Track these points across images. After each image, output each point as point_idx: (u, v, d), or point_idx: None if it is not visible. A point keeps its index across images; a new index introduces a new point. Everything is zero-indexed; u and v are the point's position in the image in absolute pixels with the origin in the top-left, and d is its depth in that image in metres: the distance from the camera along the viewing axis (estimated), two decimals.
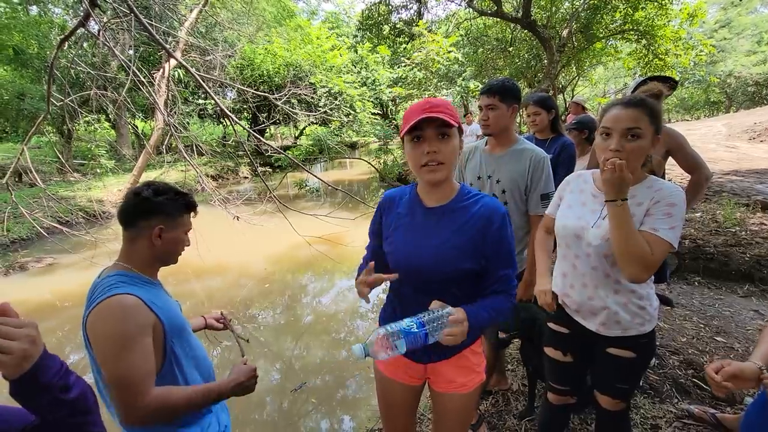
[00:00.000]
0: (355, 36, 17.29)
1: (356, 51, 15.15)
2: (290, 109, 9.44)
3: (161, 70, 7.18)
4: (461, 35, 13.37)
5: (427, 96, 10.40)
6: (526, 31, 10.89)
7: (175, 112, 6.94)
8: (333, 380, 3.23)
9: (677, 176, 5.72)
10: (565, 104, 12.91)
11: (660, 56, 10.64)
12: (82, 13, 2.95)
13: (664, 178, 1.59)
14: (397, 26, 13.71)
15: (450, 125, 1.06)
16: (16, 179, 10.09)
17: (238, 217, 4.40)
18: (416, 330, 0.91)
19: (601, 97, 21.77)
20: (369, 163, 7.96)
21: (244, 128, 3.76)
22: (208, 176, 12.53)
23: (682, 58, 10.68)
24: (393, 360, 1.31)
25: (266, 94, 5.81)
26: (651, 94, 1.58)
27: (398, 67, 12.31)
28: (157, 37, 3.11)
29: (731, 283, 3.71)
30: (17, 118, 12.06)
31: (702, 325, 2.97)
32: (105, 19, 4.69)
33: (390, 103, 15.35)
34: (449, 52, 10.42)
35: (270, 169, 14.39)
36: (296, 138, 22.52)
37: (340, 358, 3.57)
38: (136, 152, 13.36)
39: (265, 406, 2.99)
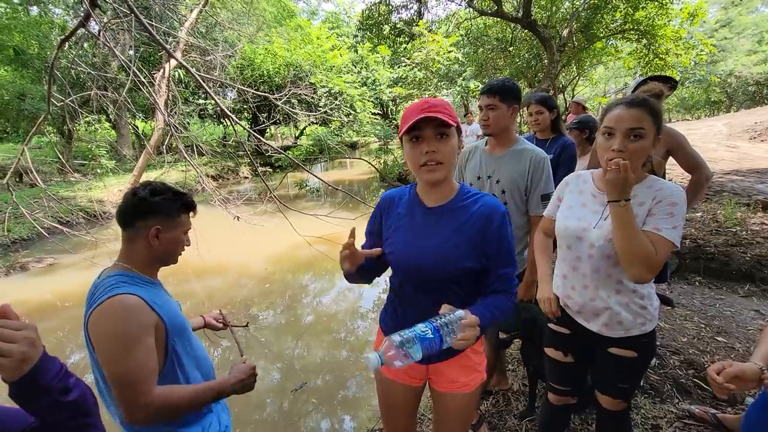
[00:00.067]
0: (356, 36, 17.30)
1: (356, 51, 15.16)
2: (290, 109, 9.45)
3: (161, 70, 7.19)
4: (461, 35, 13.36)
5: (427, 96, 10.41)
6: (526, 30, 10.87)
7: (175, 113, 6.94)
8: (333, 380, 3.23)
9: (678, 176, 5.71)
10: (566, 104, 12.90)
11: (660, 56, 10.62)
12: (82, 14, 2.95)
13: (665, 178, 1.58)
14: (398, 26, 13.70)
15: (448, 125, 1.06)
16: (17, 179, 10.10)
17: (238, 217, 4.40)
18: (431, 336, 0.89)
19: (601, 97, 21.75)
20: (369, 163, 7.95)
21: (245, 128, 3.76)
22: (208, 176, 12.54)
23: (682, 58, 10.65)
24: None
25: (266, 94, 5.81)
26: (651, 94, 1.58)
27: (398, 67, 12.31)
28: (158, 37, 3.11)
29: (732, 283, 3.70)
30: (18, 118, 12.07)
31: (703, 325, 2.97)
32: (105, 20, 4.69)
33: (390, 103, 15.35)
34: (449, 51, 10.41)
35: (270, 169, 14.40)
36: (296, 138, 22.54)
37: (341, 358, 3.57)
38: (137, 152, 13.38)
39: (265, 406, 2.99)
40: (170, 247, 1.20)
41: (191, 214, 1.27)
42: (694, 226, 4.48)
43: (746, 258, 3.75)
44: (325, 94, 12.65)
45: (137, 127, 16.04)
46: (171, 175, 11.28)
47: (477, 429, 2.08)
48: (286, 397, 3.02)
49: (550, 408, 1.64)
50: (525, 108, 2.56)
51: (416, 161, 1.10)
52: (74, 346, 3.99)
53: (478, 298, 1.24)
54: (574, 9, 10.86)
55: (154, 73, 7.33)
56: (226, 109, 3.37)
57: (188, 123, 13.40)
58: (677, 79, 2.47)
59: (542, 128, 2.45)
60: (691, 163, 2.06)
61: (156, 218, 1.15)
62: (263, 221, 5.20)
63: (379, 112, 15.98)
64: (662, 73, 9.89)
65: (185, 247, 1.27)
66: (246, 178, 15.21)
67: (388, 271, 1.32)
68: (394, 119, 16.14)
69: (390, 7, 13.65)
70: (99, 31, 3.55)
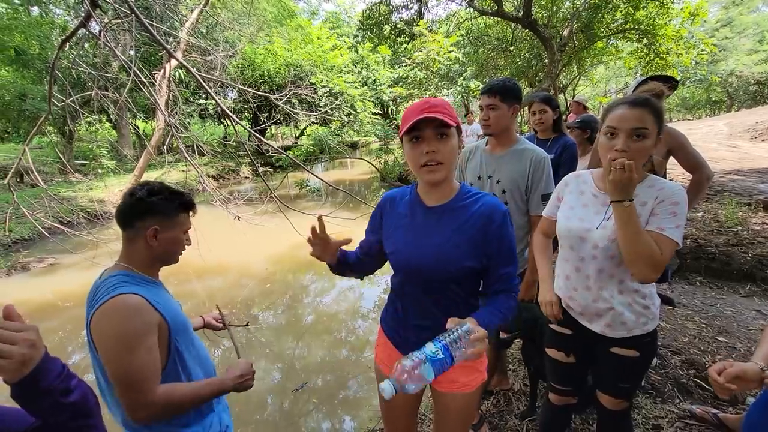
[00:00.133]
0: (356, 36, 17.30)
1: (357, 51, 15.16)
2: (291, 109, 9.45)
3: (162, 70, 7.18)
4: (462, 35, 13.35)
5: (428, 96, 10.41)
6: (527, 30, 10.86)
7: (176, 113, 6.95)
8: (334, 380, 3.23)
9: (678, 176, 5.71)
10: (566, 103, 12.88)
11: (661, 55, 10.60)
12: (83, 14, 2.95)
13: (665, 178, 1.58)
14: (398, 26, 13.70)
15: (448, 125, 1.05)
16: (18, 180, 10.11)
17: (239, 217, 4.40)
18: (442, 356, 0.88)
19: (602, 97, 21.74)
20: (370, 163, 7.95)
21: (245, 128, 3.76)
22: (209, 176, 12.54)
23: (683, 57, 10.64)
24: (394, 360, 1.31)
25: (267, 94, 5.81)
26: (652, 93, 1.57)
27: (399, 67, 12.31)
28: (158, 37, 3.11)
29: (733, 283, 3.70)
30: (19, 118, 12.09)
31: (704, 325, 2.96)
32: (106, 20, 4.70)
33: (391, 103, 15.34)
34: (450, 51, 10.41)
35: (271, 169, 14.40)
36: (297, 138, 22.55)
37: (342, 358, 3.57)
38: (138, 152, 13.40)
39: (266, 406, 2.99)
40: (169, 247, 1.20)
41: (191, 213, 1.27)
42: (695, 225, 4.47)
43: (747, 258, 3.74)
44: (325, 94, 12.65)
45: (138, 127, 16.05)
46: (172, 175, 11.28)
47: (478, 429, 2.08)
48: (286, 397, 3.02)
49: (551, 408, 1.64)
50: (526, 107, 2.56)
51: (416, 161, 1.10)
52: (75, 346, 3.99)
53: (480, 298, 1.25)
54: (575, 8, 10.85)
55: (154, 74, 7.32)
56: (226, 109, 3.37)
57: (189, 123, 13.42)
58: (678, 78, 2.47)
59: (545, 127, 2.45)
60: (692, 162, 2.06)
61: (154, 218, 1.15)
62: (264, 221, 5.20)
63: (380, 112, 15.98)
64: (663, 72, 9.89)
65: (186, 246, 1.27)
66: (247, 178, 15.22)
67: (390, 271, 1.32)
68: (395, 119, 16.14)
69: (390, 7, 13.65)
70: (100, 32, 3.55)
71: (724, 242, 4.01)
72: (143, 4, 10.86)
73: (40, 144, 14.30)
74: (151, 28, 2.98)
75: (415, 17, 13.51)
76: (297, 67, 13.52)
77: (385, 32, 13.99)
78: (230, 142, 12.68)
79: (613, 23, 10.93)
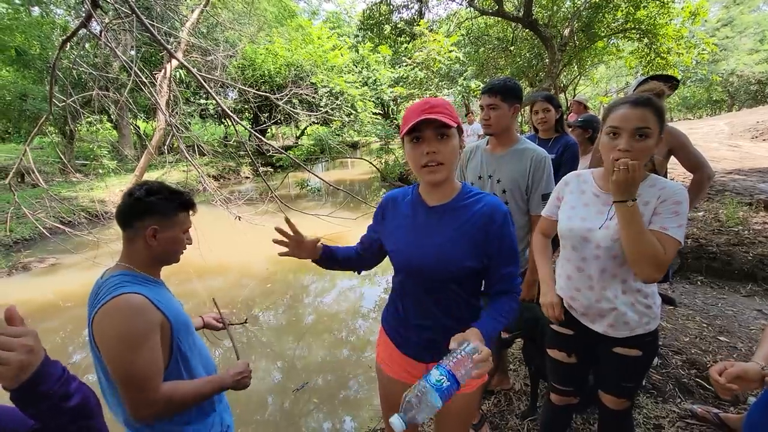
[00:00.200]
0: (356, 36, 17.29)
1: (357, 51, 15.15)
2: (291, 109, 9.46)
3: (163, 70, 7.19)
4: (462, 35, 13.35)
5: (428, 95, 10.40)
6: (527, 30, 10.86)
7: (176, 113, 6.96)
8: (335, 380, 3.23)
9: (679, 175, 5.70)
10: (567, 103, 12.88)
11: (662, 55, 10.60)
12: (84, 14, 2.95)
13: (666, 178, 1.58)
14: (398, 26, 13.69)
15: (448, 126, 1.05)
16: (19, 180, 10.12)
17: (239, 217, 4.41)
18: (448, 383, 0.88)
19: (602, 96, 21.73)
20: (370, 162, 7.95)
21: (246, 128, 3.77)
22: (209, 176, 12.54)
23: (684, 57, 10.63)
24: (395, 359, 1.32)
25: (267, 94, 5.82)
26: (653, 93, 1.57)
27: (399, 67, 12.30)
28: (159, 37, 3.11)
29: (734, 283, 3.69)
30: (20, 118, 12.11)
31: (705, 325, 2.96)
32: (107, 20, 4.70)
33: (391, 103, 15.33)
34: (450, 51, 10.40)
35: (271, 169, 14.41)
36: (297, 138, 22.55)
37: (342, 358, 3.57)
38: (138, 152, 13.41)
39: (267, 405, 2.99)
40: (169, 247, 1.20)
41: (191, 212, 1.26)
42: (696, 225, 4.47)
43: (748, 257, 3.74)
44: (326, 94, 12.65)
45: (139, 128, 16.05)
46: (172, 175, 11.29)
47: (479, 429, 2.08)
48: (287, 397, 3.02)
49: (552, 408, 1.63)
50: (528, 107, 2.56)
51: (417, 162, 1.10)
52: (76, 345, 4.00)
53: (482, 298, 1.25)
54: (576, 8, 10.85)
55: (155, 74, 7.33)
56: (227, 109, 3.37)
57: (189, 123, 13.44)
58: (679, 78, 2.47)
59: (548, 127, 2.45)
60: (693, 162, 2.06)
61: (152, 218, 1.14)
62: (264, 221, 5.18)
63: (380, 111, 15.98)
64: (664, 72, 9.88)
65: (187, 245, 1.27)
66: (247, 178, 15.23)
67: (390, 271, 1.33)
68: (395, 119, 16.14)
69: (391, 6, 13.64)
70: (100, 32, 3.56)
71: (725, 242, 4.00)
72: (144, 4, 10.87)
73: (41, 144, 14.31)
74: (151, 28, 2.98)
75: (415, 17, 13.50)
76: (297, 67, 13.52)
77: (385, 32, 13.99)
78: (231, 142, 12.69)
79: (614, 23, 10.92)
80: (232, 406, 1.41)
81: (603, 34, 11.11)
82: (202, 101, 13.60)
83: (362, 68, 14.92)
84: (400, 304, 1.28)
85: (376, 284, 5.22)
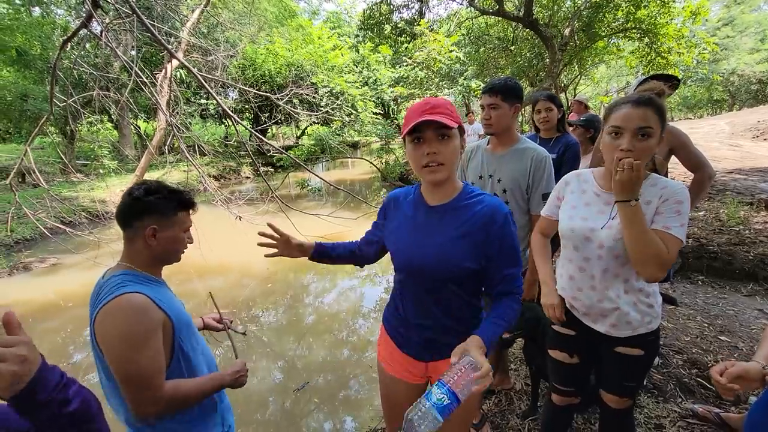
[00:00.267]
0: (357, 36, 17.29)
1: (358, 51, 15.15)
2: (292, 109, 9.46)
3: (163, 70, 7.19)
4: (463, 34, 13.34)
5: (429, 95, 10.40)
6: (528, 29, 10.85)
7: (177, 113, 6.96)
8: (335, 380, 3.24)
9: (680, 175, 5.69)
10: (567, 103, 12.87)
11: (663, 54, 10.59)
12: (84, 14, 2.96)
13: (667, 178, 1.58)
14: (399, 26, 13.69)
15: (449, 127, 1.05)
16: (20, 180, 10.13)
17: (240, 217, 4.41)
18: (448, 401, 0.90)
19: (603, 96, 21.72)
20: (371, 162, 7.96)
21: (246, 128, 3.77)
22: (210, 176, 12.55)
23: (684, 57, 10.62)
24: (395, 358, 1.33)
25: (268, 94, 5.82)
26: (653, 93, 1.57)
27: (400, 67, 12.30)
28: (159, 37, 3.11)
29: (735, 282, 3.69)
30: (20, 119, 12.12)
31: (706, 325, 2.96)
32: (107, 20, 4.71)
33: (392, 103, 15.34)
34: (451, 51, 10.40)
35: (272, 169, 14.43)
36: (298, 138, 22.56)
37: (343, 358, 3.57)
38: (139, 153, 13.42)
39: (267, 405, 2.99)
40: (169, 246, 1.19)
41: (191, 211, 1.26)
42: (697, 225, 4.46)
43: (749, 257, 3.73)
44: (326, 94, 12.65)
45: (139, 128, 16.06)
46: (173, 175, 11.30)
47: (480, 428, 2.08)
48: (288, 397, 3.02)
49: (553, 408, 1.63)
50: (530, 106, 2.57)
51: (418, 162, 1.10)
52: (77, 345, 4.00)
53: (484, 298, 1.25)
54: (576, 8, 10.84)
55: (156, 74, 7.34)
56: (227, 109, 3.37)
57: (190, 123, 13.44)
58: (679, 77, 2.46)
59: (550, 126, 2.45)
60: (694, 162, 2.06)
61: (151, 217, 1.14)
62: (265, 221, 5.19)
63: (381, 111, 15.98)
64: (664, 71, 9.87)
65: (188, 245, 1.27)
66: (248, 178, 15.24)
67: (391, 270, 1.33)
68: (396, 119, 16.15)
69: (391, 6, 13.64)
70: (101, 32, 3.56)
71: (726, 241, 4.00)
72: (144, 5, 10.88)
73: (41, 144, 14.32)
74: (152, 29, 2.99)
75: (416, 17, 13.50)
76: (298, 67, 13.53)
77: (385, 32, 13.98)
78: (231, 142, 12.68)
79: (615, 22, 10.92)
80: (233, 406, 1.41)
81: (603, 34, 11.10)
82: (203, 101, 13.61)
83: (363, 68, 14.93)
84: (401, 303, 1.29)
85: (377, 284, 5.23)
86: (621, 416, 1.46)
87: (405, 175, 11.00)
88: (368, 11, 14.10)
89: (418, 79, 10.87)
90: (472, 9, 11.51)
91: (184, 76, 11.73)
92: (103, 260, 4.24)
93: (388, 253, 1.34)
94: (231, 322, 1.61)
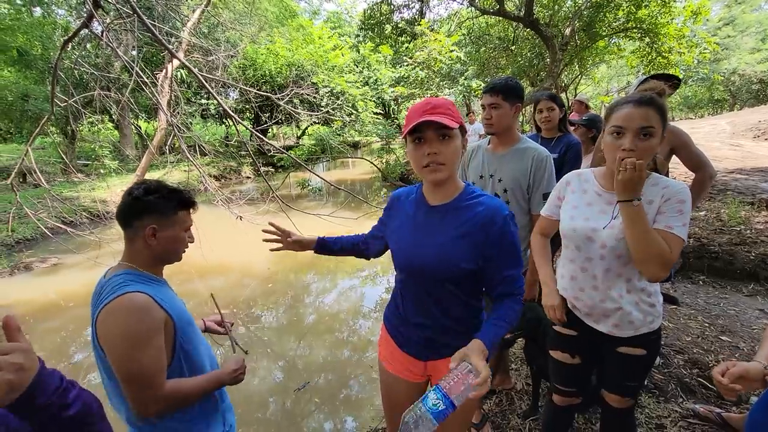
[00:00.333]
0: (357, 36, 17.30)
1: (358, 50, 15.17)
2: (292, 109, 9.45)
3: (164, 70, 7.20)
4: (463, 34, 13.34)
5: (429, 95, 10.40)
6: (528, 29, 10.84)
7: (177, 113, 6.95)
8: (336, 380, 3.24)
9: (681, 174, 5.69)
10: (568, 103, 12.86)
11: (663, 54, 10.58)
12: (85, 15, 2.96)
13: (668, 177, 1.58)
14: (399, 25, 13.68)
15: (450, 127, 1.05)
16: (21, 180, 10.15)
17: (241, 217, 4.41)
18: (443, 406, 0.91)
19: (604, 96, 21.69)
20: (371, 162, 7.95)
21: (247, 128, 3.77)
22: (211, 176, 12.56)
23: (685, 56, 10.61)
24: (396, 357, 1.33)
25: (268, 94, 5.81)
26: (654, 92, 1.56)
27: (400, 67, 12.29)
28: (160, 37, 3.11)
29: (736, 282, 3.69)
30: (21, 119, 12.13)
31: (707, 324, 2.96)
32: (108, 20, 4.71)
33: (392, 103, 15.35)
34: (451, 51, 10.39)
35: (272, 169, 14.43)
36: (298, 138, 22.59)
37: (343, 358, 3.57)
38: (140, 152, 13.42)
39: (268, 405, 2.99)
40: (169, 246, 1.19)
41: (191, 210, 1.26)
42: (698, 225, 4.46)
43: (750, 257, 3.73)
44: (327, 94, 12.66)
45: (140, 128, 16.08)
46: (174, 175, 11.31)
47: (480, 428, 2.08)
48: (288, 397, 3.02)
49: (554, 408, 1.63)
50: (531, 106, 2.57)
51: (419, 162, 1.11)
52: (78, 345, 4.00)
53: (486, 299, 1.25)
54: (577, 7, 10.83)
55: (156, 74, 7.35)
56: (228, 109, 3.37)
57: (191, 123, 13.44)
58: (680, 77, 2.46)
59: (551, 126, 2.45)
60: (695, 161, 2.05)
61: (151, 217, 1.14)
62: (266, 221, 5.18)
63: (381, 111, 15.99)
64: (665, 71, 9.86)
65: (189, 244, 1.27)
66: (248, 177, 15.24)
67: (391, 270, 1.34)
68: (396, 119, 16.16)
69: (392, 6, 13.63)
70: (102, 32, 3.57)
71: (727, 241, 4.00)
72: (145, 5, 10.88)
73: (42, 144, 14.34)
74: (153, 29, 2.99)
75: (416, 16, 13.49)
76: (298, 67, 13.54)
77: (386, 32, 13.98)
78: (232, 142, 12.68)
79: (615, 22, 10.90)
80: (234, 406, 1.41)
81: (604, 34, 11.09)
82: (204, 101, 13.62)
83: (363, 68, 14.94)
84: (401, 303, 1.29)
85: (378, 284, 5.22)
86: (623, 416, 1.46)
87: (406, 175, 11.01)
88: (369, 11, 14.09)
89: (419, 79, 10.86)
90: (473, 9, 11.51)
91: (184, 76, 11.76)
92: (104, 260, 4.24)
93: (389, 251, 1.34)
94: (232, 325, 1.61)
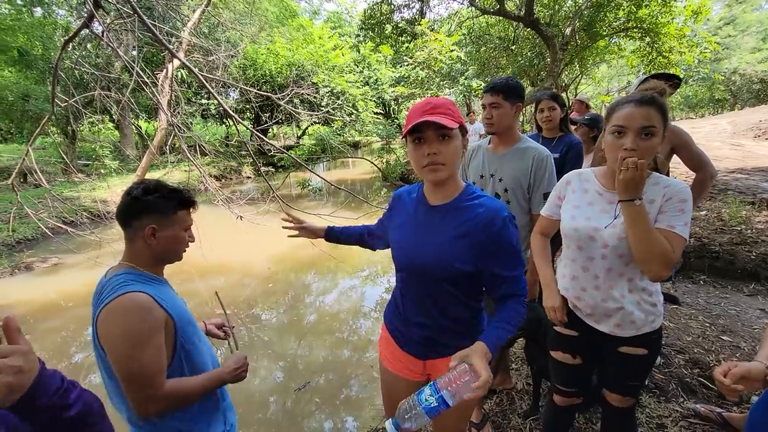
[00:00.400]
0: (357, 35, 17.30)
1: (358, 50, 15.17)
2: (293, 108, 9.44)
3: (164, 70, 7.20)
4: (464, 34, 13.33)
5: (430, 95, 10.39)
6: (529, 29, 10.83)
7: (178, 113, 6.96)
8: (336, 380, 3.24)
9: (681, 174, 5.68)
10: (569, 102, 12.85)
11: (664, 54, 10.57)
12: (86, 15, 2.96)
13: (669, 177, 1.57)
14: (399, 25, 13.68)
15: (450, 127, 1.05)
16: (22, 180, 10.17)
17: (241, 217, 4.41)
18: (436, 404, 0.92)
19: (604, 95, 21.66)
20: (372, 162, 7.95)
21: (247, 128, 3.77)
22: (211, 176, 12.56)
23: (686, 56, 10.60)
24: (396, 356, 1.34)
25: (269, 94, 5.81)
26: (654, 92, 1.56)
27: (400, 66, 12.29)
28: (160, 37, 3.11)
29: (737, 282, 3.68)
30: (22, 119, 12.14)
31: (708, 324, 2.95)
32: (108, 20, 4.71)
33: (392, 103, 15.35)
34: (452, 50, 10.39)
35: (273, 169, 14.43)
36: (299, 138, 22.56)
37: (344, 358, 3.57)
38: (140, 152, 13.43)
39: (268, 405, 2.99)
40: (169, 246, 1.19)
41: (191, 210, 1.25)
42: (699, 224, 4.46)
43: (751, 257, 3.73)
44: (327, 94, 12.66)
45: (140, 128, 16.07)
46: (174, 175, 11.32)
47: (481, 428, 2.08)
48: (289, 397, 3.02)
49: (555, 408, 1.63)
50: (532, 105, 2.57)
51: (419, 162, 1.11)
52: (78, 345, 4.01)
53: (484, 299, 1.25)
54: (577, 7, 10.82)
55: (157, 74, 7.34)
56: (229, 109, 3.37)
57: (191, 123, 13.43)
58: (681, 77, 2.45)
59: (553, 125, 2.45)
60: (696, 161, 2.05)
61: (150, 217, 1.14)
62: (266, 221, 5.20)
63: (382, 111, 15.99)
64: (666, 70, 9.85)
65: (189, 243, 1.27)
66: (249, 177, 15.25)
67: (392, 269, 1.35)
68: (397, 118, 16.16)
69: (392, 6, 13.63)
70: (102, 32, 3.57)
71: (727, 241, 3.99)
72: (145, 5, 10.88)
73: (43, 144, 14.36)
74: (153, 29, 2.98)
75: (416, 16, 13.49)
76: (299, 66, 13.54)
77: (386, 32, 13.97)
78: (232, 142, 12.69)
79: (616, 21, 10.89)
80: (235, 406, 1.41)
81: (605, 33, 11.08)
82: (204, 101, 13.63)
83: (363, 68, 14.94)
84: (401, 302, 1.30)
85: (378, 284, 5.22)
86: (624, 415, 1.46)
87: (406, 174, 11.01)
88: (369, 11, 14.09)
89: (419, 78, 10.85)
90: (473, 8, 11.50)
91: (185, 76, 11.76)
92: (104, 260, 4.24)
93: (389, 251, 1.34)
94: (233, 328, 1.60)
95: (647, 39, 10.63)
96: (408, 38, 13.38)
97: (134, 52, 9.93)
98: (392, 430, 0.94)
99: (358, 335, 4.01)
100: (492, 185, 1.93)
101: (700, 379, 2.35)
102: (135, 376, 1.00)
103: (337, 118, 13.06)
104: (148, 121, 16.55)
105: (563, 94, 13.98)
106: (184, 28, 9.09)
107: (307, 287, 5.33)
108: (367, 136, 16.17)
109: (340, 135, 13.95)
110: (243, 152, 14.36)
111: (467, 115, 9.63)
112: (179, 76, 11.06)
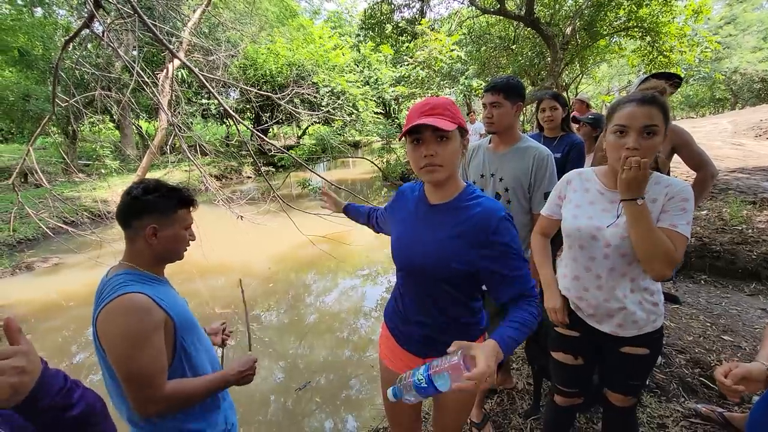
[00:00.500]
0: (358, 35, 17.31)
1: (359, 50, 15.17)
2: (293, 108, 9.44)
3: (165, 70, 7.20)
4: (464, 33, 13.33)
5: (430, 95, 10.39)
6: (529, 28, 10.83)
7: (178, 113, 6.97)
8: (337, 379, 3.24)
9: (682, 174, 5.68)
10: (569, 102, 12.83)
11: (664, 53, 10.56)
12: (86, 15, 2.96)
13: (670, 176, 1.57)
14: (400, 25, 13.70)
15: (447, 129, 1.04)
16: (22, 180, 10.17)
17: (241, 217, 4.41)
18: (425, 385, 0.93)
19: (605, 95, 21.65)
20: (372, 162, 7.95)
21: (248, 128, 3.77)
22: (211, 176, 12.54)
23: (686, 55, 10.59)
24: (396, 354, 1.34)
25: (269, 94, 5.80)
26: (655, 91, 1.56)
27: (401, 66, 12.30)
28: (161, 37, 3.11)
29: (738, 282, 3.68)
30: (23, 119, 12.14)
31: (709, 324, 2.95)
32: (109, 20, 4.71)
33: (393, 102, 15.33)
34: (452, 50, 10.39)
35: (273, 169, 14.44)
36: (299, 137, 22.54)
37: (344, 358, 3.57)
38: (140, 152, 13.45)
39: (269, 405, 3.00)
40: (170, 245, 1.18)
41: (191, 209, 1.25)
42: (700, 224, 4.45)
43: (752, 256, 3.72)
44: (327, 94, 12.66)
45: (141, 127, 16.08)
46: (175, 175, 11.32)
47: (482, 428, 2.08)
48: (289, 396, 3.03)
49: (555, 408, 1.63)
50: (533, 105, 2.57)
51: (417, 163, 1.11)
52: (79, 345, 4.01)
53: (483, 299, 1.25)
54: (578, 6, 10.81)
55: (157, 74, 7.34)
56: (229, 109, 3.37)
57: (191, 123, 13.44)
58: (681, 76, 2.45)
59: (554, 125, 2.44)
60: (697, 160, 2.05)
61: (151, 216, 1.13)
62: (266, 221, 5.21)
63: (382, 111, 15.98)
64: (666, 70, 9.84)
65: (190, 242, 1.26)
66: (249, 177, 15.25)
67: (392, 269, 1.35)
68: (397, 118, 16.14)
69: (392, 6, 13.64)
70: (103, 32, 3.56)
71: (728, 241, 3.99)
72: (146, 5, 10.89)
73: (43, 144, 14.37)
74: (153, 29, 2.98)
75: (417, 16, 13.50)
76: (299, 66, 13.53)
77: (386, 31, 13.99)
78: (233, 142, 12.71)
79: (616, 21, 10.88)
80: (235, 405, 1.41)
81: (605, 33, 11.07)
82: (204, 101, 13.63)
83: (364, 68, 14.93)
84: (401, 301, 1.30)
85: (378, 284, 5.22)
86: (625, 414, 1.46)
87: (406, 174, 11.00)
88: (369, 11, 14.11)
89: (420, 78, 10.85)
90: (474, 8, 11.50)
91: (185, 75, 11.77)
92: (105, 260, 4.24)
93: (389, 251, 1.34)
94: (230, 335, 1.58)
95: (648, 38, 10.63)
96: (408, 38, 13.38)
97: (135, 52, 9.94)
98: (392, 398, 0.99)
99: (359, 335, 4.01)
100: (492, 185, 1.93)
101: (701, 378, 2.34)
102: (134, 377, 1.00)
103: (337, 118, 13.07)
104: (149, 121, 16.56)
105: (564, 94, 13.97)
106: (185, 28, 9.09)
107: (308, 287, 5.33)
108: (367, 135, 16.18)
109: (340, 135, 13.96)
110: (243, 152, 14.36)
111: (467, 114, 9.62)
112: (179, 75, 11.06)
